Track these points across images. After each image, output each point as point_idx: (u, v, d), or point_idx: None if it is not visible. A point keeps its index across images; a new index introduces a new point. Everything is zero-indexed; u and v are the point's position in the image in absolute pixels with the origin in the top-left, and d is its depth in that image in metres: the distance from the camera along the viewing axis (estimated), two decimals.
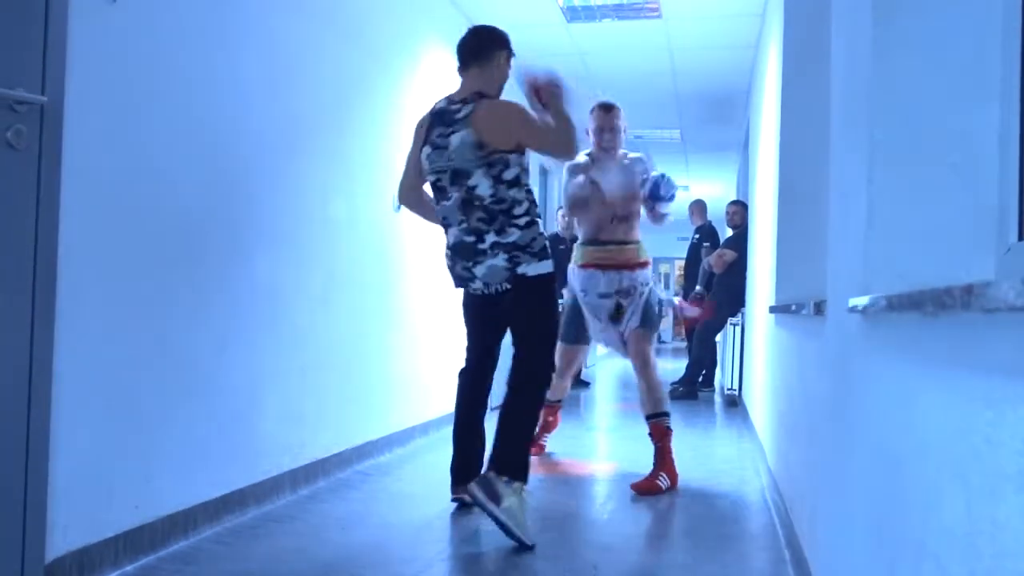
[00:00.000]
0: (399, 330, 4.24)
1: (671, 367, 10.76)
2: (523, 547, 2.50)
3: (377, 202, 3.93)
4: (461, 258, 2.80)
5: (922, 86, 1.35)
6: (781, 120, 3.35)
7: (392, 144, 4.09)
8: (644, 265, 3.69)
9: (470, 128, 2.68)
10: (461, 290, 3.01)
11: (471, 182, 2.70)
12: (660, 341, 19.42)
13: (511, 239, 2.70)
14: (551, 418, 4.31)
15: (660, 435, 3.49)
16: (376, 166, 3.92)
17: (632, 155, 3.75)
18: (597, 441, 4.86)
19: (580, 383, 7.67)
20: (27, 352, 1.90)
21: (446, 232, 2.88)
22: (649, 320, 3.63)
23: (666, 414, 3.53)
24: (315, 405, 3.36)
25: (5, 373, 1.85)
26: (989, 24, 1.27)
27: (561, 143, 2.76)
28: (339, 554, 2.46)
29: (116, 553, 2.21)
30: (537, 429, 4.28)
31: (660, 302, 3.77)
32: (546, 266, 2.76)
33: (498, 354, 3.11)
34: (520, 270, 2.71)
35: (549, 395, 4.22)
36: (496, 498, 2.51)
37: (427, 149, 2.84)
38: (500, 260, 2.70)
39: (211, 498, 2.63)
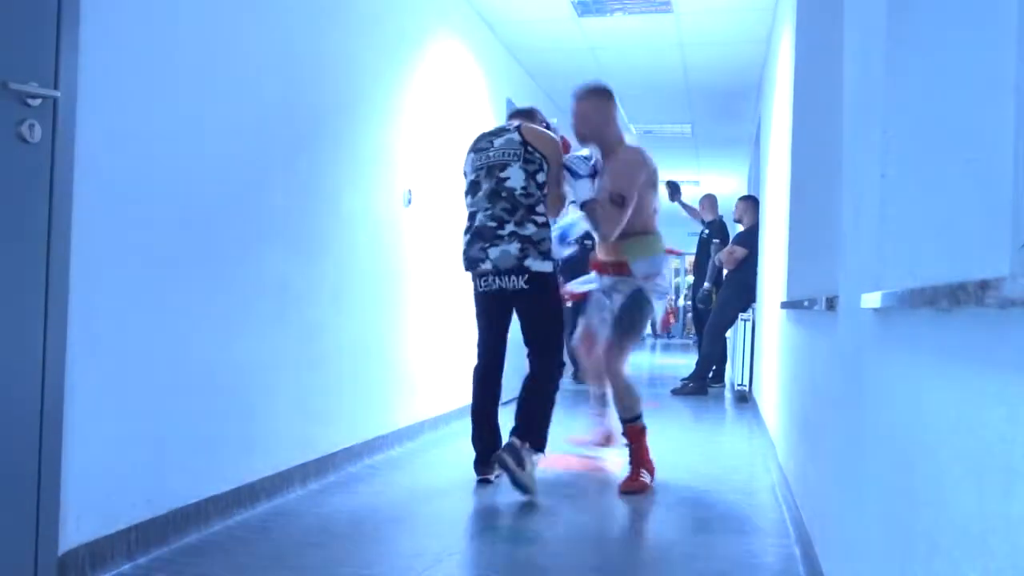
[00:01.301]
0: (409, 325, 4.25)
1: (682, 363, 10.74)
2: (528, 496, 3.06)
3: (388, 197, 3.94)
4: (479, 240, 3.23)
5: (936, 80, 1.34)
6: (793, 115, 3.33)
7: (402, 138, 4.09)
8: (620, 267, 3.41)
9: (518, 134, 3.27)
10: (471, 290, 3.40)
11: (504, 174, 3.21)
12: (668, 336, 19.38)
13: (527, 232, 3.16)
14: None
15: (634, 437, 3.37)
16: (387, 161, 3.92)
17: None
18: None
19: None
20: (40, 345, 1.92)
21: (470, 220, 3.31)
22: (621, 328, 3.37)
23: (637, 417, 3.38)
24: (325, 399, 3.37)
25: (19, 367, 1.87)
26: (1004, 18, 1.26)
27: (554, 200, 3.36)
28: (349, 548, 2.47)
29: (128, 545, 2.23)
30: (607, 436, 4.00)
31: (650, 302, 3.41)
32: (549, 265, 3.22)
33: (504, 351, 3.46)
34: (527, 263, 3.15)
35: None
36: (521, 464, 3.05)
37: (471, 156, 3.38)
38: (513, 248, 3.15)
39: (222, 492, 2.65)
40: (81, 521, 2.07)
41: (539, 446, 3.20)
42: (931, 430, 1.09)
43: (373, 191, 3.78)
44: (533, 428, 3.20)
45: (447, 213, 4.76)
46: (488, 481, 3.36)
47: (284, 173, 3.01)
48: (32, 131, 1.86)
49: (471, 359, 3.45)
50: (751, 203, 6.78)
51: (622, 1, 5.11)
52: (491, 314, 3.38)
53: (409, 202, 4.16)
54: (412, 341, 4.29)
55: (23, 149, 1.86)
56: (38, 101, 1.88)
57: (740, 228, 7.02)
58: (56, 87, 1.92)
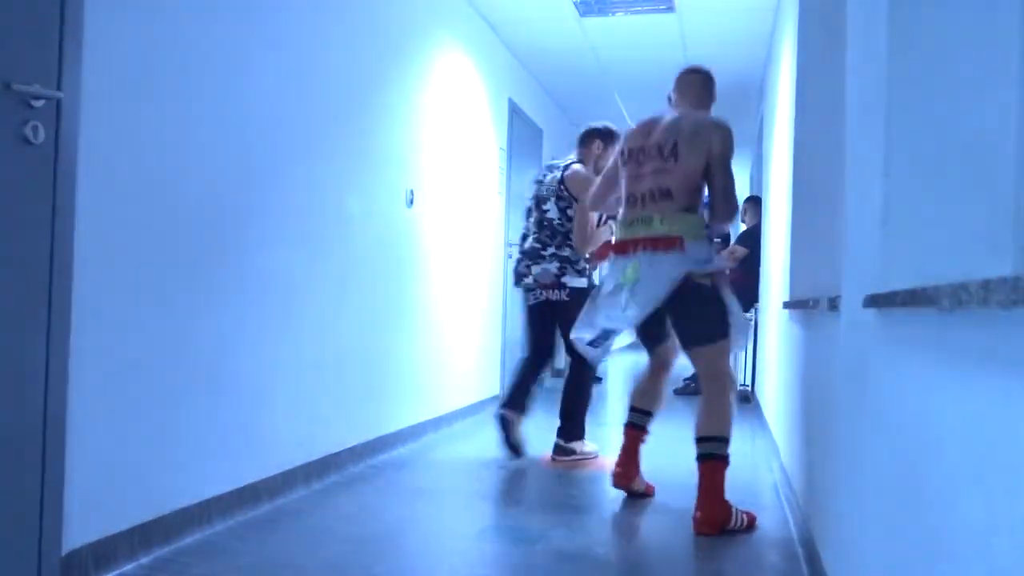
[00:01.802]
0: (412, 325, 4.25)
1: (683, 362, 10.73)
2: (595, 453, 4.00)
3: (391, 198, 3.94)
4: (526, 258, 4.01)
5: (939, 80, 1.34)
6: (795, 114, 3.33)
7: (406, 140, 4.09)
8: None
9: (560, 174, 3.99)
10: (521, 304, 4.11)
11: (546, 207, 4.01)
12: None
13: (565, 254, 3.94)
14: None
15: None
16: (390, 162, 3.92)
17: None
18: (609, 436, 4.85)
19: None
20: (43, 346, 1.92)
21: (524, 240, 4.09)
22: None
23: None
24: (328, 400, 3.37)
25: (22, 367, 1.87)
26: (1008, 17, 1.26)
27: (580, 231, 3.96)
28: (352, 548, 2.47)
29: (132, 545, 2.23)
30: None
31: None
32: (584, 281, 3.95)
33: (549, 349, 4.07)
34: (564, 279, 3.91)
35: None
36: (570, 453, 3.94)
37: (533, 185, 4.15)
38: (552, 266, 3.92)
39: (225, 492, 2.65)
40: (85, 521, 2.07)
41: (578, 436, 3.97)
42: (934, 430, 1.09)
43: (375, 191, 3.78)
44: (571, 426, 3.95)
45: (449, 214, 4.76)
46: (506, 420, 3.86)
47: (288, 175, 3.01)
48: (36, 132, 1.86)
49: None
50: (753, 203, 6.78)
51: (624, 1, 5.11)
52: (539, 322, 4.06)
53: (411, 202, 4.17)
54: (414, 341, 4.29)
55: (26, 150, 1.86)
56: (41, 102, 1.88)
57: (743, 227, 7.01)
58: (59, 88, 1.92)
